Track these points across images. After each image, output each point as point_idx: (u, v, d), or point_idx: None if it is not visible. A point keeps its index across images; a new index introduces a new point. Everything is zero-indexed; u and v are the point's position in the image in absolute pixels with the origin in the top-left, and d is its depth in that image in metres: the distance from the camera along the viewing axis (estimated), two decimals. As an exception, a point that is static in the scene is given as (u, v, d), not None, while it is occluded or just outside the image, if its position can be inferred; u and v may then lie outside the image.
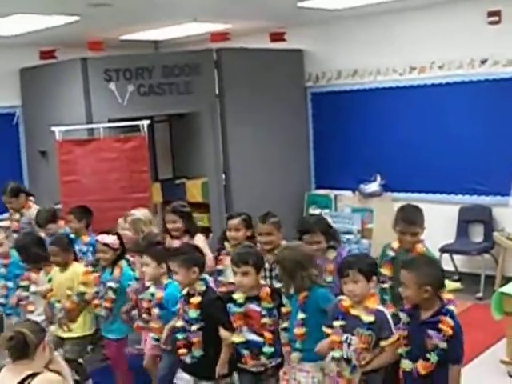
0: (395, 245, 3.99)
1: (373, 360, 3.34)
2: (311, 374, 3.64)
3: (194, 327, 3.87)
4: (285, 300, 3.78)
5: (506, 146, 6.83)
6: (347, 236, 7.64)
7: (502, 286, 5.36)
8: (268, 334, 3.72)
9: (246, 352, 3.76)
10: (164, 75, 7.36)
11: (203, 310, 3.86)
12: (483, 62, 6.99)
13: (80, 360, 4.89)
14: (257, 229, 4.53)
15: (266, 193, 7.63)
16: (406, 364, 3.23)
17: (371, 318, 3.32)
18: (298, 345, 3.66)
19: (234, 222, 4.63)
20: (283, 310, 3.77)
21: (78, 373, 4.75)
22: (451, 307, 3.23)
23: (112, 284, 4.63)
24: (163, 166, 9.54)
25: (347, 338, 3.39)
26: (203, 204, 8.46)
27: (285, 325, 3.76)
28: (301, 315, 3.63)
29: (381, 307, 3.41)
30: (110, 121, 7.06)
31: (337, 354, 3.42)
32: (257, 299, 3.74)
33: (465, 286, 7.09)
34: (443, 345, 3.10)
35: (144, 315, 4.38)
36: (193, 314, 3.86)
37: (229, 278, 4.35)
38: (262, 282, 3.89)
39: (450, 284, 7.11)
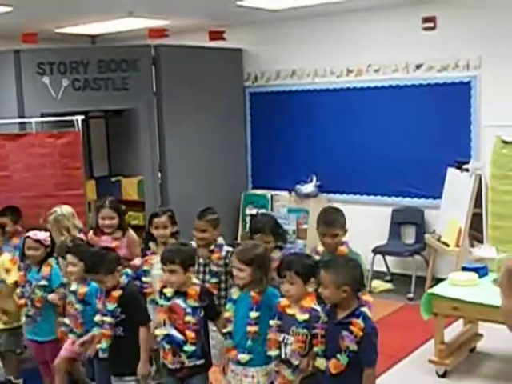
0: (320, 248, 4.00)
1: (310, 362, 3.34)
2: (256, 380, 3.59)
3: (107, 319, 3.86)
4: (228, 305, 3.71)
5: (438, 150, 6.98)
6: (283, 236, 7.67)
7: (432, 286, 5.46)
8: (190, 333, 3.66)
9: (167, 347, 3.72)
10: (100, 70, 7.23)
11: (123, 303, 3.85)
12: (418, 66, 7.13)
13: (18, 350, 4.84)
14: (194, 224, 4.51)
15: (202, 192, 7.58)
16: (319, 362, 3.24)
17: (305, 316, 3.33)
18: (249, 343, 3.58)
19: (162, 219, 4.59)
20: (226, 314, 3.70)
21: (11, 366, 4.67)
22: (365, 309, 3.20)
23: (42, 282, 4.46)
24: (99, 163, 9.38)
25: (284, 337, 3.39)
26: (139, 202, 8.36)
27: (228, 329, 3.68)
28: (255, 314, 3.57)
29: (316, 306, 3.41)
30: (43, 115, 6.88)
31: (273, 352, 3.42)
32: (184, 295, 3.71)
33: (396, 286, 7.22)
34: (354, 347, 3.11)
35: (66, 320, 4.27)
36: (110, 306, 3.86)
37: (154, 277, 4.30)
38: (196, 280, 3.85)
39: (381, 284, 7.27)
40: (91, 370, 4.22)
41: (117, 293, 3.88)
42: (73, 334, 4.19)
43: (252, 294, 3.59)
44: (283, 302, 3.45)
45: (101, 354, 3.94)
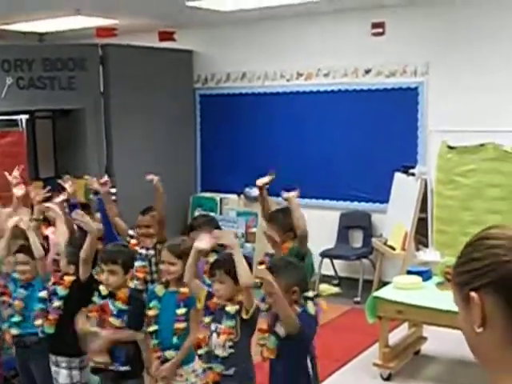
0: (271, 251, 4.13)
1: None
2: (185, 377, 3.60)
3: (56, 303, 3.82)
4: (152, 303, 3.65)
5: (385, 155, 7.05)
6: (231, 239, 7.64)
7: (378, 290, 5.50)
8: None
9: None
10: (46, 68, 7.09)
11: (73, 291, 3.80)
12: (367, 71, 7.20)
13: None
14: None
15: (150, 194, 7.42)
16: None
17: (234, 308, 3.30)
18: (175, 340, 3.56)
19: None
20: (151, 312, 3.64)
21: None
22: (310, 306, 3.26)
23: None
24: (45, 163, 9.16)
25: (216, 327, 3.34)
26: (85, 204, 8.20)
27: (153, 328, 3.62)
28: (182, 310, 3.55)
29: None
30: (-15, 114, 6.71)
31: (201, 351, 3.38)
32: (115, 297, 3.66)
33: (344, 290, 7.21)
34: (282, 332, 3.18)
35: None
36: (61, 291, 3.82)
37: None
38: (130, 284, 3.77)
39: (329, 288, 7.26)
40: (26, 377, 4.10)
41: (70, 278, 3.82)
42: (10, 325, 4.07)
43: (181, 290, 3.56)
44: (215, 301, 3.41)
45: (40, 334, 3.89)
